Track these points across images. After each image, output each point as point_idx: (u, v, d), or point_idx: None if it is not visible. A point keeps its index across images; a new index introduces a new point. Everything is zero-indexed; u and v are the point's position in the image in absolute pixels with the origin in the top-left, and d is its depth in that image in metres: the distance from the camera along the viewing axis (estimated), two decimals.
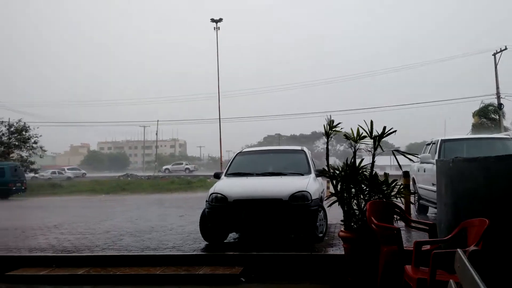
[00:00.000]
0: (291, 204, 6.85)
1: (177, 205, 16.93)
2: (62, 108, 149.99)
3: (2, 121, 35.71)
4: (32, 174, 37.35)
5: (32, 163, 36.19)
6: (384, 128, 5.72)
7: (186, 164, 66.55)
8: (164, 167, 65.49)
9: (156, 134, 79.21)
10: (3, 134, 35.70)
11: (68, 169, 61.41)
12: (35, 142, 36.19)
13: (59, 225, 10.92)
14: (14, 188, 26.92)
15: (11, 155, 35.14)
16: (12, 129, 35.68)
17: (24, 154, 36.46)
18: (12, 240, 8.50)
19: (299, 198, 6.94)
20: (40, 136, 36.29)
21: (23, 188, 28.02)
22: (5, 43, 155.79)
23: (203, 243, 7.36)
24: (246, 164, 8.76)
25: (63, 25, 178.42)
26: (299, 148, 9.32)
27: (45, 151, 37.88)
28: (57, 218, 12.78)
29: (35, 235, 9.17)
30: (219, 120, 38.97)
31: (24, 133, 35.88)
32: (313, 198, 7.07)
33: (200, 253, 6.71)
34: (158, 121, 75.27)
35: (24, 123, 36.26)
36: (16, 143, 35.90)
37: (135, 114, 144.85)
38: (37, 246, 7.61)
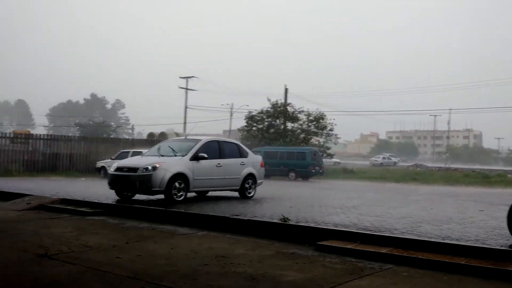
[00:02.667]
0: None
1: (474, 199, 15.79)
2: (351, 98, 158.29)
3: (302, 111, 40.01)
4: (328, 160, 40.84)
5: (328, 148, 39.47)
6: None
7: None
8: None
9: (448, 124, 75.19)
10: (303, 122, 40.03)
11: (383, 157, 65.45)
12: (330, 130, 39.38)
13: (357, 206, 11.63)
14: (313, 170, 29.98)
15: (310, 141, 39.20)
16: (310, 117, 39.63)
17: (321, 140, 40.11)
18: (318, 215, 9.52)
19: None
20: (335, 124, 39.28)
21: (321, 171, 30.91)
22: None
23: (511, 240, 6.69)
24: None
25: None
26: None
27: (339, 138, 40.78)
28: (353, 200, 13.66)
29: (336, 213, 10.03)
30: None
31: (321, 121, 39.44)
32: None
33: (509, 249, 6.12)
34: (450, 110, 71.27)
35: (322, 112, 39.80)
36: (315, 130, 39.78)
37: (424, 103, 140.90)
38: (340, 222, 8.31)
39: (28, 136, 26.55)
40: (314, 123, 39.52)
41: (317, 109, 39.87)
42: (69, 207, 10.30)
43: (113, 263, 5.64)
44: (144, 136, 42.27)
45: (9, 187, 14.06)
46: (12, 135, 26.30)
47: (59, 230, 7.99)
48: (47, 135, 28.47)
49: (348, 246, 6.56)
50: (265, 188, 15.01)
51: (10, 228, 8.05)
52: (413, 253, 6.14)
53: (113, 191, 11.74)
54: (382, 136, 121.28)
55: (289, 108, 39.84)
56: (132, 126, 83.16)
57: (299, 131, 39.74)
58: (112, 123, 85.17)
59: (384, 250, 6.29)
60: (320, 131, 39.67)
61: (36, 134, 27.60)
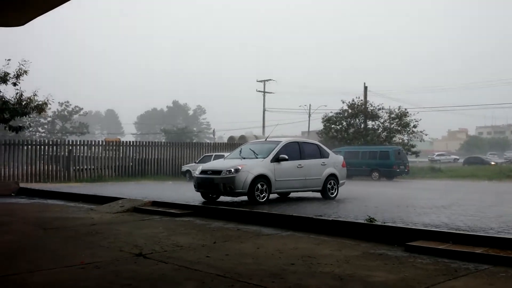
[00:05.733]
0: None
1: None
2: (436, 93, 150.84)
3: (383, 108, 38.81)
4: (413, 158, 39.27)
5: (413, 146, 37.93)
6: None
7: None
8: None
9: None
10: (385, 120, 38.81)
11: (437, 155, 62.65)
12: (414, 127, 37.82)
13: (447, 206, 11.09)
14: (397, 170, 28.99)
15: (393, 139, 37.90)
16: (392, 115, 38.32)
17: (405, 138, 38.64)
18: (405, 215, 9.20)
19: None
20: (420, 120, 37.67)
21: (406, 170, 29.81)
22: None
23: None
24: None
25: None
26: None
27: (426, 135, 39.06)
28: (442, 200, 13.04)
29: (425, 213, 9.63)
30: None
31: (404, 118, 38.00)
32: None
33: None
34: None
35: (405, 109, 38.33)
36: (397, 128, 38.40)
37: None
38: (430, 223, 7.97)
39: (119, 143, 28.22)
40: (396, 120, 38.20)
41: (400, 106, 38.47)
42: (159, 209, 10.81)
43: (203, 262, 5.84)
44: (225, 140, 43.29)
45: (104, 191, 15.03)
46: (103, 143, 28.09)
47: (151, 230, 8.41)
48: (136, 142, 30.09)
49: (440, 247, 6.27)
50: (348, 189, 14.77)
51: (107, 229, 8.60)
52: (511, 253, 5.74)
53: (199, 193, 12.16)
54: (472, 132, 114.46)
55: (368, 106, 38.86)
56: (213, 130, 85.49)
57: (380, 129, 38.60)
58: (194, 128, 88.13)
59: (479, 250, 5.94)
60: (403, 128, 38.23)
61: (126, 141, 29.26)
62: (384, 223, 7.86)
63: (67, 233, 8.27)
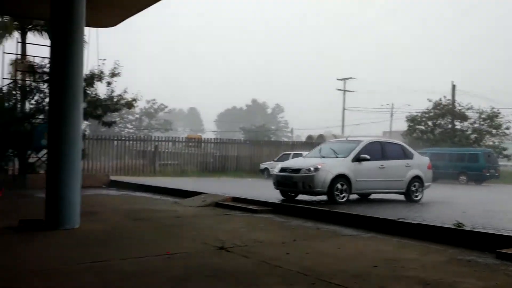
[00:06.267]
0: None
1: None
2: None
3: (471, 107, 36.65)
4: (505, 162, 36.76)
5: (504, 149, 35.52)
6: None
7: None
8: None
9: None
10: (474, 122, 36.66)
11: None
12: (507, 128, 35.39)
13: None
14: (487, 174, 27.25)
15: (482, 142, 35.70)
16: (483, 115, 36.10)
17: (496, 140, 36.26)
18: (496, 221, 8.65)
19: None
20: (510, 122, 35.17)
21: (496, 174, 27.96)
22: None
23: None
24: None
25: None
26: None
27: None
28: None
29: None
30: None
31: (495, 119, 35.66)
32: None
33: None
34: None
35: (497, 109, 35.96)
36: (488, 130, 36.12)
37: None
38: None
39: (200, 140, 29.14)
40: (487, 121, 35.92)
41: (492, 107, 36.04)
42: (239, 205, 11.02)
43: (283, 259, 5.86)
44: (303, 139, 43.17)
45: (187, 186, 15.58)
46: (185, 140, 29.15)
47: (232, 225, 8.60)
48: (216, 139, 30.91)
49: None
50: (433, 192, 14.13)
51: (190, 222, 8.92)
52: None
53: (277, 191, 12.23)
54: None
55: (456, 106, 36.90)
56: (291, 129, 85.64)
57: (469, 131, 36.50)
58: (272, 127, 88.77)
59: None
60: (494, 130, 35.87)
61: (206, 138, 30.15)
62: (474, 228, 7.43)
63: (153, 224, 8.68)
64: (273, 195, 12.17)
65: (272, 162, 24.72)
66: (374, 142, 12.64)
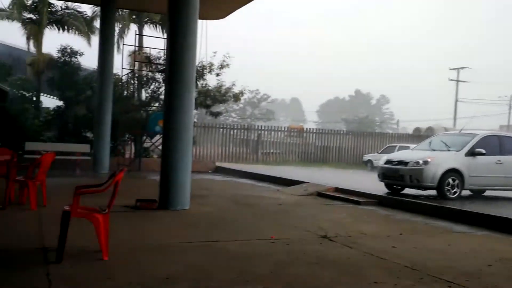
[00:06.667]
0: None
1: None
2: None
3: None
4: None
5: None
6: None
7: None
8: None
9: None
10: None
11: None
12: None
13: None
14: None
15: None
16: None
17: None
18: None
19: None
20: None
21: None
22: None
23: None
24: None
25: None
26: None
27: None
28: None
29: None
30: None
31: None
32: None
33: None
34: None
35: None
36: None
37: None
38: None
39: (302, 131, 29.19)
40: None
41: None
42: (342, 196, 10.91)
43: (389, 252, 5.72)
44: (409, 131, 41.36)
45: (288, 174, 15.74)
46: (287, 130, 29.36)
47: (334, 215, 8.55)
48: (318, 129, 30.73)
49: None
50: None
51: (292, 210, 9.03)
52: None
53: (382, 184, 11.89)
54: None
55: None
56: (397, 121, 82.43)
57: None
58: (377, 118, 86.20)
59: None
60: None
61: (308, 129, 30.11)
62: None
63: (257, 210, 8.92)
64: (377, 187, 11.86)
65: (376, 154, 24.06)
66: (491, 135, 11.76)
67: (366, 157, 25.67)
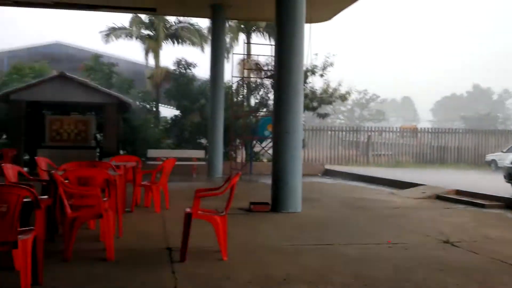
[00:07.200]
0: None
1: None
2: None
3: None
4: None
5: None
6: None
7: None
8: None
9: None
10: None
11: None
12: None
13: None
14: None
15: None
16: None
17: None
18: None
19: None
20: None
21: None
22: None
23: None
24: None
25: None
26: None
27: None
28: None
29: None
30: None
31: None
32: None
33: None
34: None
35: None
36: None
37: None
38: None
39: (415, 131, 27.83)
40: None
41: None
42: (463, 199, 10.19)
43: None
44: None
45: (403, 177, 15.09)
46: (399, 130, 28.18)
47: (456, 219, 8.02)
48: (434, 128, 29.11)
49: None
50: None
51: (410, 214, 8.63)
52: None
53: (508, 185, 10.92)
54: None
55: None
56: None
57: None
58: (499, 114, 79.44)
59: None
60: None
61: (422, 128, 28.63)
62: None
63: (371, 213, 8.68)
64: (504, 189, 10.90)
65: (500, 153, 22.15)
66: None
67: (489, 157, 23.76)
